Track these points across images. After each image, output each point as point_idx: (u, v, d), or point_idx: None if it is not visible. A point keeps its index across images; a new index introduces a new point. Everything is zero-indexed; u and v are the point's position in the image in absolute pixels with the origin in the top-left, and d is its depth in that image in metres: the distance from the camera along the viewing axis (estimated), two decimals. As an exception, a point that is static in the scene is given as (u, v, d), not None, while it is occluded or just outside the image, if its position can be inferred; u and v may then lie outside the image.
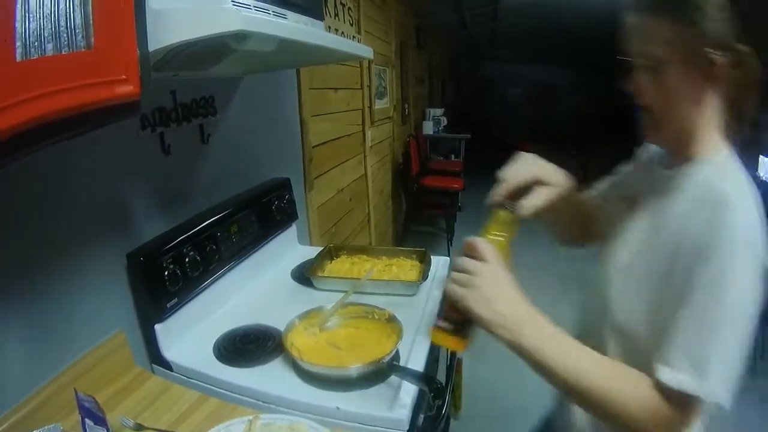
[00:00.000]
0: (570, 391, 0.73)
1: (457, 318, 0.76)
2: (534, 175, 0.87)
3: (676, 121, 0.79)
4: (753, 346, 2.91)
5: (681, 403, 0.67)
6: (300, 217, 2.01)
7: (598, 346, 0.79)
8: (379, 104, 3.92)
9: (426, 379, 0.97)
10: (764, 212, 0.71)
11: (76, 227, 1.03)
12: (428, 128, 6.43)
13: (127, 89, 0.67)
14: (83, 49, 0.60)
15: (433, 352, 1.26)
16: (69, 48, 0.59)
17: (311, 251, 1.85)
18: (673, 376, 0.67)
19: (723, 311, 0.66)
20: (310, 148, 2.31)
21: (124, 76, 0.66)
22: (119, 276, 1.14)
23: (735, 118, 0.79)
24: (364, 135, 3.49)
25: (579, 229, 1.09)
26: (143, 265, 1.13)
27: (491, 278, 0.73)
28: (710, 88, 0.75)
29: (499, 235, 0.80)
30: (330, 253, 1.81)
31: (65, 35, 0.58)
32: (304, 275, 1.60)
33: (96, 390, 1.01)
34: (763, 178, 7.66)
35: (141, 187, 1.22)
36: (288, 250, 1.87)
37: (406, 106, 5.42)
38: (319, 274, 1.65)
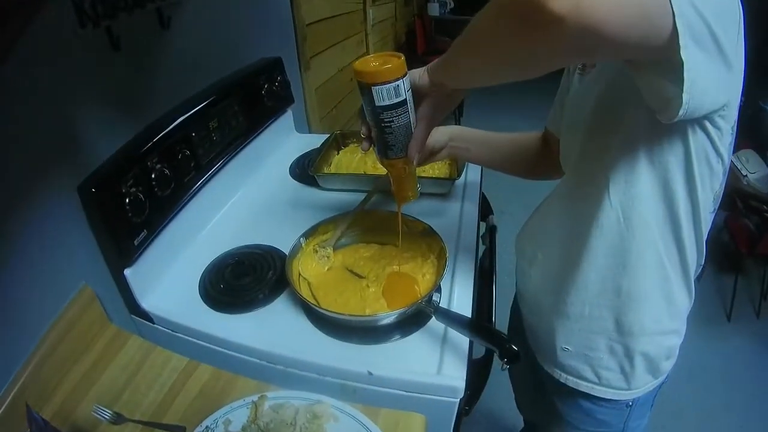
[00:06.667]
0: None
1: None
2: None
3: None
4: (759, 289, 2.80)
5: None
6: (296, 102, 1.65)
7: None
8: (381, -18, 3.54)
9: (494, 337, 0.70)
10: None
11: (14, 169, 0.72)
12: (434, 10, 6.08)
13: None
14: None
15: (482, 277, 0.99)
16: None
17: (312, 140, 1.53)
18: None
19: None
20: (303, 26, 1.96)
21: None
22: (74, 216, 0.83)
23: None
24: (365, 13, 3.21)
25: (527, 167, 1.06)
26: (96, 196, 0.81)
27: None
28: None
29: None
30: (337, 142, 1.47)
31: None
32: (307, 172, 1.30)
33: (69, 366, 0.79)
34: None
35: (88, 98, 0.86)
36: (284, 141, 1.54)
37: (410, -15, 4.98)
38: (326, 170, 1.34)
